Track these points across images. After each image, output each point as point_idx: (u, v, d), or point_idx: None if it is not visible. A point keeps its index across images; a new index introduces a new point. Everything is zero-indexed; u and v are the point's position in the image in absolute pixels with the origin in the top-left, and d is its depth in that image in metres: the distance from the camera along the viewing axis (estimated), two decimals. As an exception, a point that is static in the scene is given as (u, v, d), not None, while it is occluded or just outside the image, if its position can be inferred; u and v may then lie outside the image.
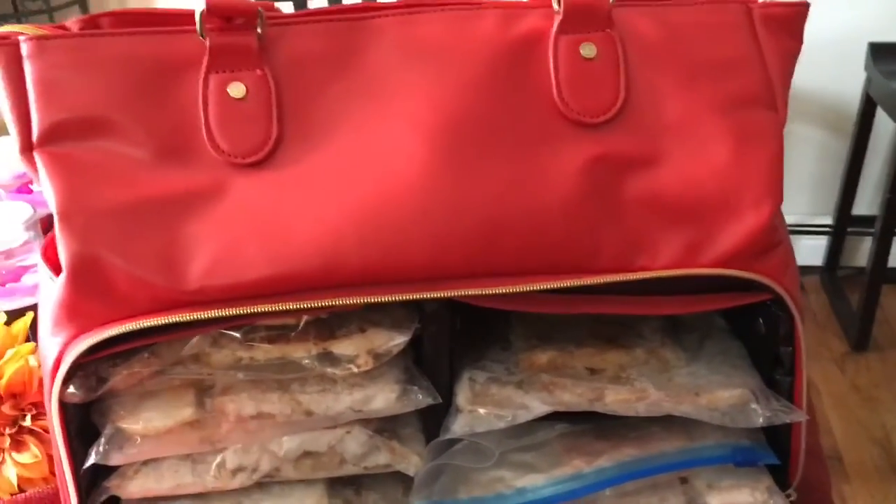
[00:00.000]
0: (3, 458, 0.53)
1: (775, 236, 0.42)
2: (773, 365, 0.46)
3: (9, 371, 0.52)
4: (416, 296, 0.40)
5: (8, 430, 0.53)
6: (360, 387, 0.43)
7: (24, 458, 0.52)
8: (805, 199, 1.88)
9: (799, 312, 0.43)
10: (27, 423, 0.53)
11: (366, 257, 0.39)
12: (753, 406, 0.44)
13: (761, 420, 0.43)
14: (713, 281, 0.43)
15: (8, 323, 0.55)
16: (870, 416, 1.57)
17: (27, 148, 0.40)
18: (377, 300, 0.40)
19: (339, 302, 0.39)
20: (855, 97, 1.72)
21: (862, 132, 1.73)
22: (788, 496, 0.46)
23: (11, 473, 0.52)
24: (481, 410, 0.43)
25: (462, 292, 0.40)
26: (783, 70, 0.44)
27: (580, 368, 0.46)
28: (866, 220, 1.77)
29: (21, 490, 0.52)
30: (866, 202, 1.84)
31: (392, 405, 0.43)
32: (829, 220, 1.87)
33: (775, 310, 0.43)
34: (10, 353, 0.53)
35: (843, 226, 1.85)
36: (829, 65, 1.74)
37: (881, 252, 1.59)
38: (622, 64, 0.42)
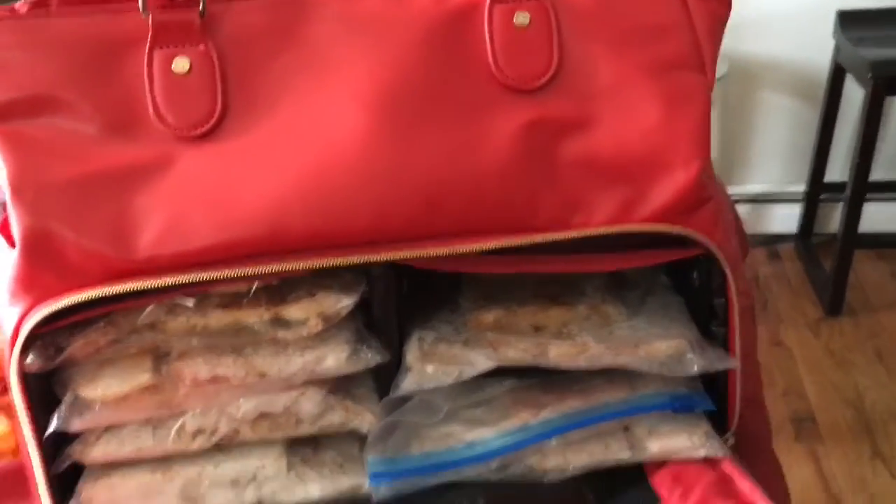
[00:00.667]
0: (-25, 431, 0.54)
1: (704, 193, 0.44)
2: (709, 317, 0.48)
3: (-24, 348, 0.54)
4: (360, 259, 0.41)
5: (-22, 405, 0.54)
6: (311, 349, 0.44)
7: (-5, 430, 0.54)
8: (778, 167, 1.90)
9: (730, 265, 0.45)
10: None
11: (310, 223, 0.41)
12: (689, 356, 0.46)
13: (696, 368, 0.45)
14: (648, 238, 0.44)
15: (-25, 302, 0.57)
16: (843, 378, 1.60)
17: (-23, 127, 0.42)
18: (322, 265, 0.41)
19: (284, 268, 0.41)
20: (824, 65, 1.74)
21: (832, 100, 1.75)
22: (726, 440, 0.48)
23: (-17, 446, 0.54)
24: (429, 368, 0.45)
25: (404, 255, 0.42)
26: (712, 34, 0.46)
27: (525, 326, 0.47)
28: (838, 187, 1.80)
29: (-7, 462, 0.54)
30: (838, 169, 1.87)
31: (343, 365, 0.44)
32: (802, 188, 1.89)
33: (708, 264, 0.45)
34: (-24, 330, 0.54)
35: (816, 193, 1.87)
36: (797, 33, 1.76)
37: (852, 218, 1.61)
38: (555, 31, 0.44)
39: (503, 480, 0.46)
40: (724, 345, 0.47)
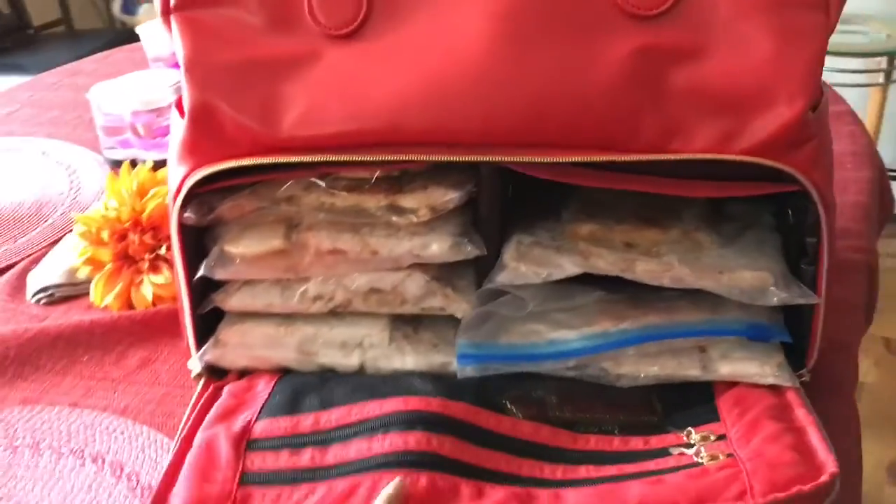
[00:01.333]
0: (142, 278, 0.64)
1: (807, 131, 0.45)
2: (800, 254, 0.49)
3: (150, 207, 0.63)
4: (467, 158, 0.46)
5: (147, 256, 0.64)
6: (419, 235, 0.50)
7: (158, 279, 0.64)
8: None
9: (825, 206, 0.46)
10: (162, 251, 0.64)
11: (426, 121, 0.46)
12: (771, 288, 0.48)
13: (776, 300, 0.47)
14: (746, 170, 0.46)
15: (154, 169, 0.66)
16: None
17: (166, 12, 0.49)
18: (433, 159, 0.46)
19: (399, 158, 0.46)
20: None
21: None
22: (801, 376, 0.49)
23: (148, 291, 0.64)
24: (521, 266, 0.49)
25: (508, 158, 0.46)
26: (842, -25, 0.46)
27: (618, 242, 0.51)
28: None
29: (154, 305, 0.64)
30: None
31: (445, 253, 0.50)
32: None
33: (804, 202, 0.47)
34: (152, 192, 0.64)
35: None
36: None
37: None
38: (678, -39, 0.46)
39: (577, 378, 0.51)
40: (812, 283, 0.48)
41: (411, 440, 0.44)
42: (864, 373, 1.77)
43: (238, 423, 0.47)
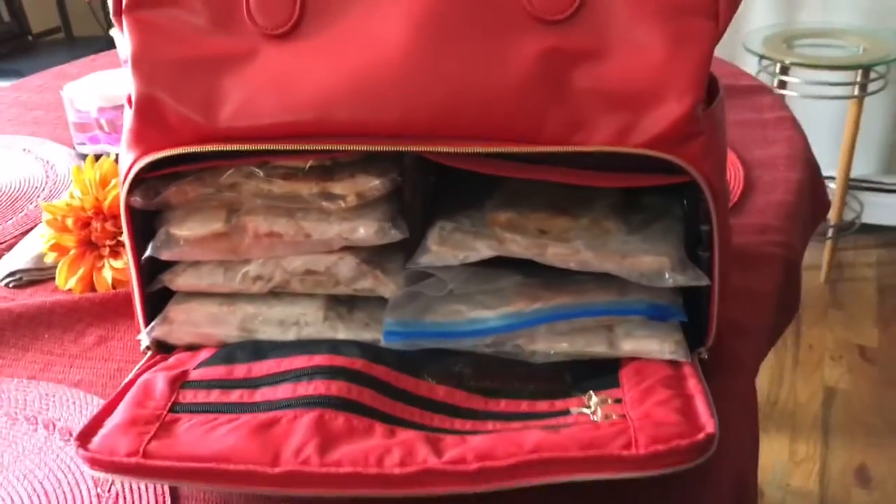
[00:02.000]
0: (103, 263, 0.69)
1: (696, 126, 0.49)
2: (696, 241, 0.53)
3: (111, 196, 0.68)
4: (388, 147, 0.50)
5: (108, 242, 0.68)
6: (347, 220, 0.54)
7: (118, 264, 0.68)
8: None
9: (714, 195, 0.50)
10: (123, 238, 0.68)
11: (352, 113, 0.50)
12: (668, 272, 0.52)
13: (672, 282, 0.52)
14: (643, 162, 0.50)
15: (117, 161, 0.70)
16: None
17: (118, 13, 0.54)
18: (358, 148, 0.51)
19: (327, 147, 0.50)
20: None
21: None
22: (699, 353, 0.53)
23: (108, 275, 0.68)
24: (441, 249, 0.54)
25: (424, 148, 0.50)
26: (732, -14, 0.50)
27: (532, 229, 0.55)
28: None
29: (114, 288, 0.68)
30: None
31: (371, 236, 0.54)
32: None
33: (697, 193, 0.51)
34: (113, 182, 0.68)
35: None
36: None
37: None
38: (583, -29, 0.50)
39: (494, 354, 0.55)
40: (708, 268, 0.52)
41: (333, 387, 0.49)
42: (837, 379, 1.81)
43: (176, 370, 0.52)
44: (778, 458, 1.63)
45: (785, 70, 1.92)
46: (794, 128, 0.89)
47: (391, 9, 0.51)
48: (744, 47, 1.95)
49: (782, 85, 1.94)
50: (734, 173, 0.81)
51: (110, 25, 2.68)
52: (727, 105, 0.97)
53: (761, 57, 1.91)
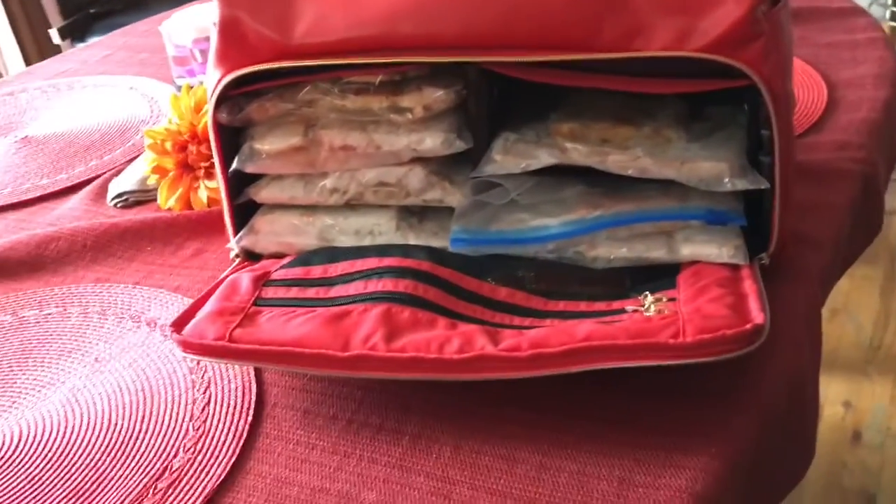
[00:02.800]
0: (199, 184, 0.74)
1: (756, 28, 0.49)
2: (758, 147, 0.53)
3: (203, 120, 0.73)
4: (449, 58, 0.53)
5: (203, 164, 0.74)
6: (415, 131, 0.57)
7: (212, 184, 0.73)
8: None
9: (774, 99, 0.50)
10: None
11: (415, 26, 0.53)
12: (727, 177, 0.52)
13: (730, 186, 0.52)
14: (703, 67, 0.51)
15: (209, 89, 0.75)
16: None
17: (202, -60, 0.57)
18: (421, 60, 0.53)
19: (393, 60, 0.53)
20: None
21: None
22: (760, 259, 0.54)
23: (203, 194, 0.73)
24: (506, 158, 0.56)
25: (483, 59, 0.52)
26: None
27: (594, 138, 0.56)
28: None
29: (209, 206, 0.73)
30: None
31: (437, 146, 0.57)
32: None
33: (758, 97, 0.51)
34: (206, 108, 0.73)
35: None
36: None
37: None
38: None
39: (556, 260, 0.57)
40: (769, 173, 0.53)
41: (401, 284, 0.52)
42: None
43: (260, 270, 0.57)
44: (879, 402, 1.59)
45: (898, 0, 1.82)
46: (885, 48, 0.86)
47: (455, -75, 0.53)
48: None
49: (895, 17, 1.84)
50: (817, 92, 0.79)
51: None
52: (819, 27, 0.94)
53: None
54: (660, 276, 0.54)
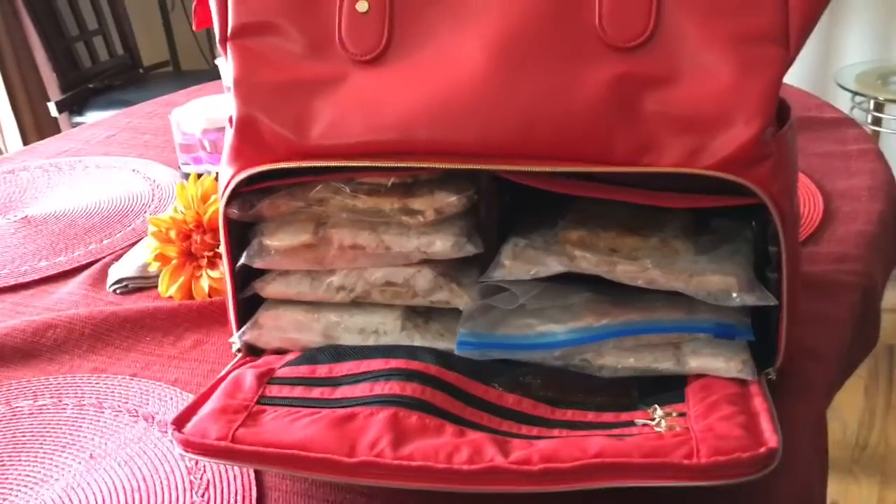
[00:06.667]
0: (202, 273, 0.74)
1: (765, 149, 0.51)
2: (765, 262, 0.54)
3: (210, 211, 0.73)
4: (466, 166, 0.53)
5: (206, 254, 0.74)
6: (426, 234, 0.57)
7: (215, 274, 0.73)
8: None
9: (782, 217, 0.51)
10: (220, 250, 0.73)
11: (432, 133, 0.54)
12: (735, 292, 0.53)
13: (739, 301, 0.53)
14: (712, 185, 0.52)
15: (216, 179, 0.76)
16: None
17: (223, 40, 0.59)
18: (437, 166, 0.54)
19: (409, 165, 0.54)
20: None
21: None
22: (767, 374, 0.54)
23: (205, 284, 0.73)
24: (514, 264, 0.56)
25: (499, 167, 0.53)
26: (805, 16, 0.52)
27: (602, 247, 0.57)
28: None
29: (210, 296, 0.73)
30: None
31: (447, 250, 0.57)
32: None
33: (765, 214, 0.52)
34: (213, 198, 0.74)
35: None
36: None
37: None
38: (655, 0, 0.53)
39: (563, 367, 0.57)
40: (776, 289, 0.53)
41: (408, 388, 0.52)
42: None
43: (264, 367, 0.56)
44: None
45: (879, 107, 1.88)
46: (877, 160, 0.88)
47: (470, 37, 0.55)
48: (836, 83, 1.92)
49: (876, 122, 1.90)
50: (813, 203, 0.81)
51: (215, 58, 2.82)
52: (811, 137, 0.97)
53: (854, 94, 1.88)
54: (667, 386, 0.54)
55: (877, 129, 1.90)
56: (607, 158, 0.53)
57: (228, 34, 0.58)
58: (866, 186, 0.82)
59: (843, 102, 1.70)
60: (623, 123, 0.52)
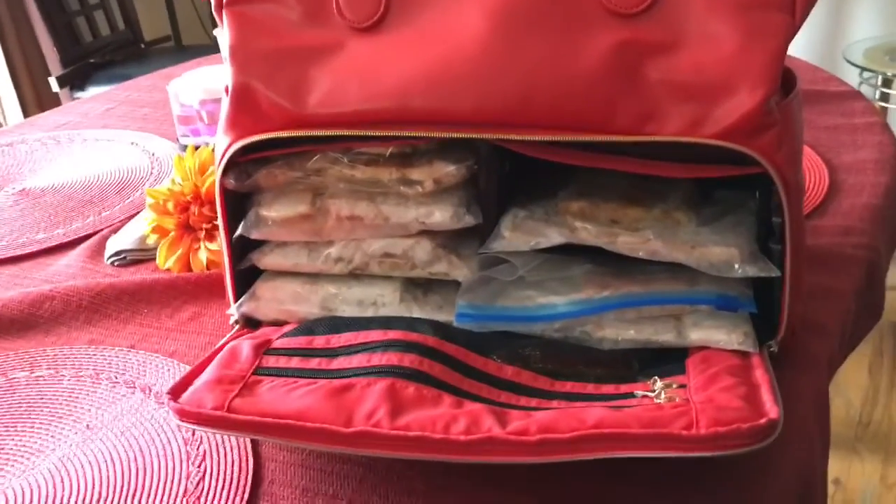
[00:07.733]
0: (200, 245, 0.73)
1: (769, 118, 0.50)
2: (769, 234, 0.53)
3: (208, 182, 0.72)
4: (464, 135, 0.53)
5: (205, 226, 0.73)
6: (424, 204, 0.57)
7: (213, 246, 0.72)
8: None
9: (787, 187, 0.50)
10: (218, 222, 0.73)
11: (429, 101, 0.53)
12: (737, 263, 0.52)
13: (740, 272, 0.52)
14: (715, 154, 0.51)
15: (214, 150, 0.75)
16: None
17: (219, 7, 0.58)
18: (435, 135, 0.53)
19: (406, 134, 0.53)
20: None
21: None
22: (769, 346, 0.53)
23: (203, 256, 0.73)
24: (514, 235, 0.56)
25: (497, 136, 0.52)
26: (811, -19, 0.51)
27: (604, 218, 0.56)
28: None
29: (208, 269, 0.73)
30: None
31: (446, 220, 0.56)
32: None
33: (769, 184, 0.51)
34: (211, 170, 0.73)
35: None
36: None
37: None
38: (659, -35, 0.52)
39: (562, 339, 0.56)
40: (780, 261, 0.52)
41: (406, 359, 0.51)
42: None
43: (261, 338, 0.55)
44: (869, 481, 1.57)
45: (887, 83, 1.86)
46: (884, 133, 0.87)
47: (469, 3, 0.54)
48: (844, 59, 1.90)
49: (884, 97, 1.88)
50: (819, 175, 0.80)
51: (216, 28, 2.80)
52: (818, 110, 0.95)
53: (863, 69, 1.86)
54: (668, 359, 0.54)
55: (885, 104, 1.88)
56: (608, 127, 0.52)
57: (224, 1, 0.57)
58: (873, 159, 0.81)
59: (851, 78, 1.68)
60: (625, 91, 0.51)
